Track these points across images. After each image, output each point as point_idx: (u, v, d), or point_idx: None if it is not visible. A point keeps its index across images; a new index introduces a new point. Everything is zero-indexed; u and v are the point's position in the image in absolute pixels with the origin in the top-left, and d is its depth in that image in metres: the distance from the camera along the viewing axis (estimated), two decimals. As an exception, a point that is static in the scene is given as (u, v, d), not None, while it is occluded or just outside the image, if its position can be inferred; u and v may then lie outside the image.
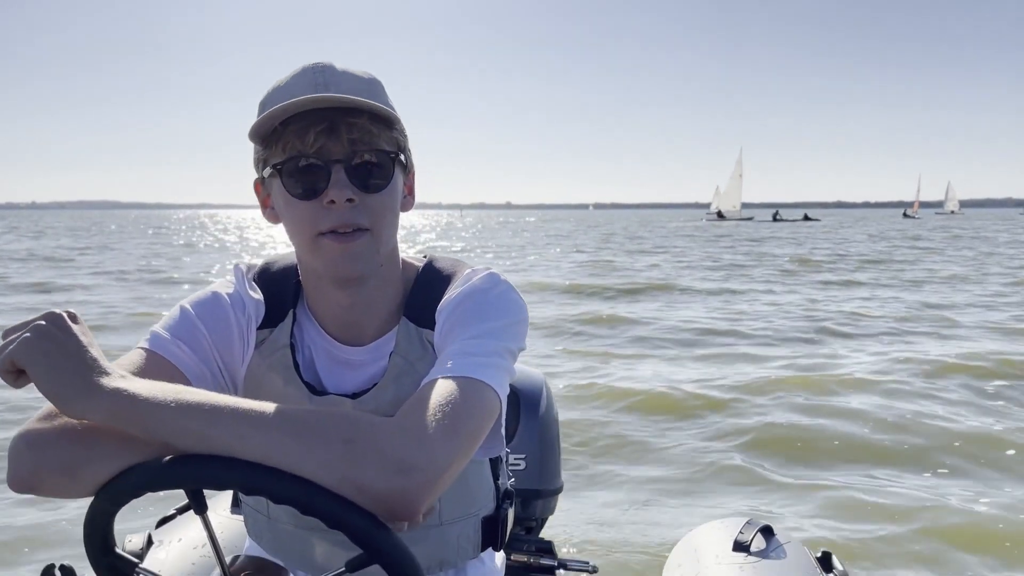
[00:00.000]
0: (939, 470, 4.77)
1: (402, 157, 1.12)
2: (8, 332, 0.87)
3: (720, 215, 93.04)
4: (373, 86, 1.10)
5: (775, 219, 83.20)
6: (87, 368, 0.84)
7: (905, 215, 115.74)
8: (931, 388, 6.66)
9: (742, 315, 11.30)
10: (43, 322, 0.86)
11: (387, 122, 1.09)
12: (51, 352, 0.84)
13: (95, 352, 0.87)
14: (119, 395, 0.83)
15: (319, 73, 1.06)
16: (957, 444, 5.17)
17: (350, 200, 1.04)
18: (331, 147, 1.04)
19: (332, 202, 1.04)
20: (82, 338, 0.87)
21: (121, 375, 0.87)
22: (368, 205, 1.07)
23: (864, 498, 4.28)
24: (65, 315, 0.88)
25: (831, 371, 7.32)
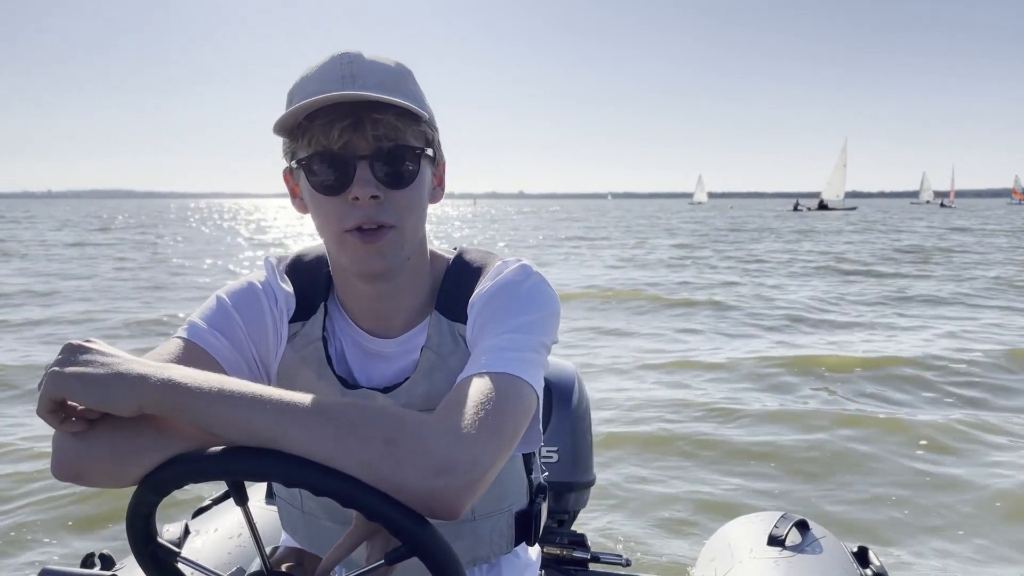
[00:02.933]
0: None
1: (429, 151, 1.10)
2: (41, 383, 0.86)
3: (823, 205, 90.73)
4: (401, 77, 1.08)
5: (795, 209, 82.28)
6: (124, 367, 0.84)
7: (942, 205, 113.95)
8: None
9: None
10: (62, 355, 0.85)
11: (415, 117, 1.06)
12: (83, 367, 0.83)
13: (126, 356, 0.87)
14: (163, 383, 0.83)
15: (347, 64, 1.04)
16: None
17: (375, 197, 1.03)
18: (356, 143, 1.03)
19: (356, 198, 1.03)
20: (106, 349, 0.87)
21: (162, 365, 0.87)
22: (393, 201, 1.06)
23: None
24: (82, 341, 0.87)
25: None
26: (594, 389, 6.14)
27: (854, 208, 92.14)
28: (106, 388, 0.82)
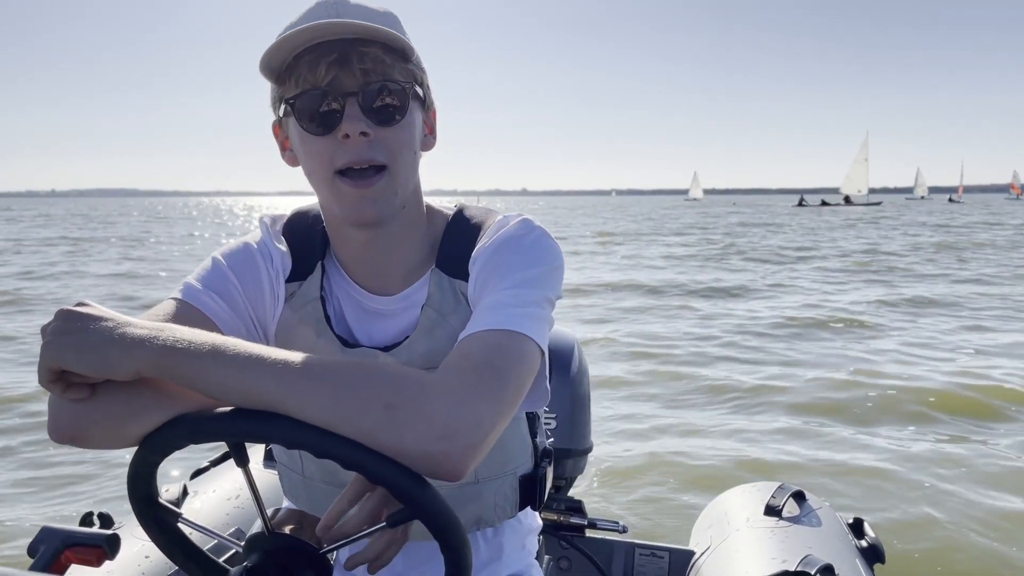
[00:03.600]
0: None
1: (418, 90, 1.08)
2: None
3: (847, 200, 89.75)
4: (388, 18, 1.06)
5: (800, 204, 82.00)
6: (119, 331, 0.82)
7: (951, 200, 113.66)
8: None
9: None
10: (56, 322, 0.83)
11: (402, 54, 1.04)
12: (76, 334, 0.81)
13: (122, 319, 0.85)
14: (160, 347, 0.81)
15: (331, 6, 1.02)
16: None
17: (364, 134, 1.01)
18: (344, 79, 1.01)
19: (347, 136, 1.01)
20: (100, 313, 0.84)
21: (158, 326, 0.84)
22: (384, 140, 1.03)
23: None
24: (75, 306, 0.85)
25: None
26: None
27: (879, 203, 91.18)
28: (103, 355, 0.80)
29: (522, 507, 1.27)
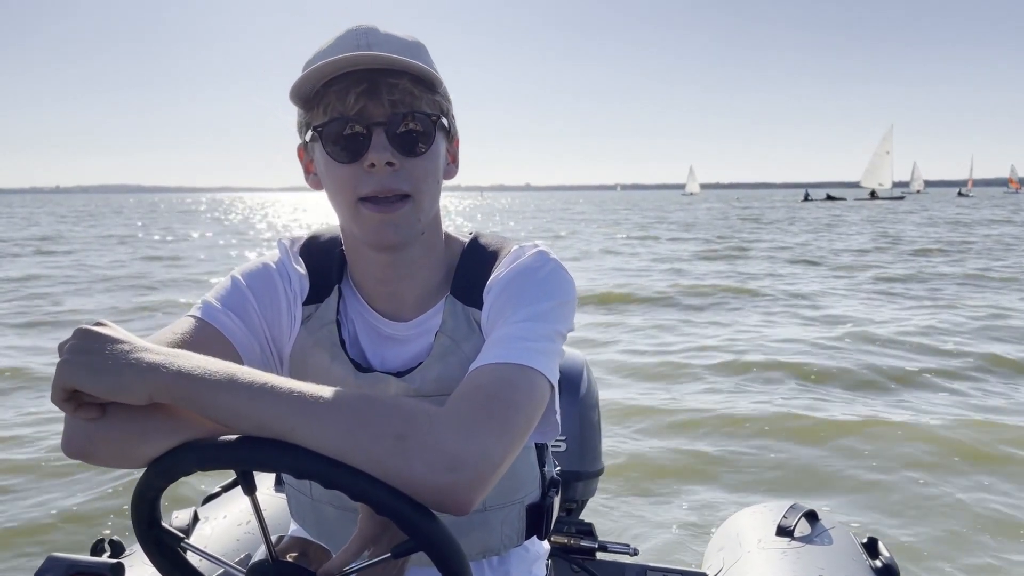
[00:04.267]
0: None
1: (444, 121, 1.10)
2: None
3: (873, 195, 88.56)
4: (416, 49, 1.08)
5: (806, 199, 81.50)
6: (135, 355, 0.83)
7: (960, 194, 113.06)
8: None
9: None
10: (73, 341, 0.84)
11: (430, 85, 1.06)
12: (92, 355, 0.82)
13: (138, 342, 0.86)
14: (174, 374, 0.82)
15: (362, 35, 1.05)
16: None
17: (390, 164, 1.03)
18: (372, 109, 1.02)
19: (372, 165, 1.02)
20: (117, 335, 0.85)
21: (173, 353, 0.85)
22: (409, 170, 1.05)
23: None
24: (92, 326, 0.86)
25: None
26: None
27: (902, 197, 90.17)
28: (117, 379, 0.81)
29: (528, 536, 1.26)
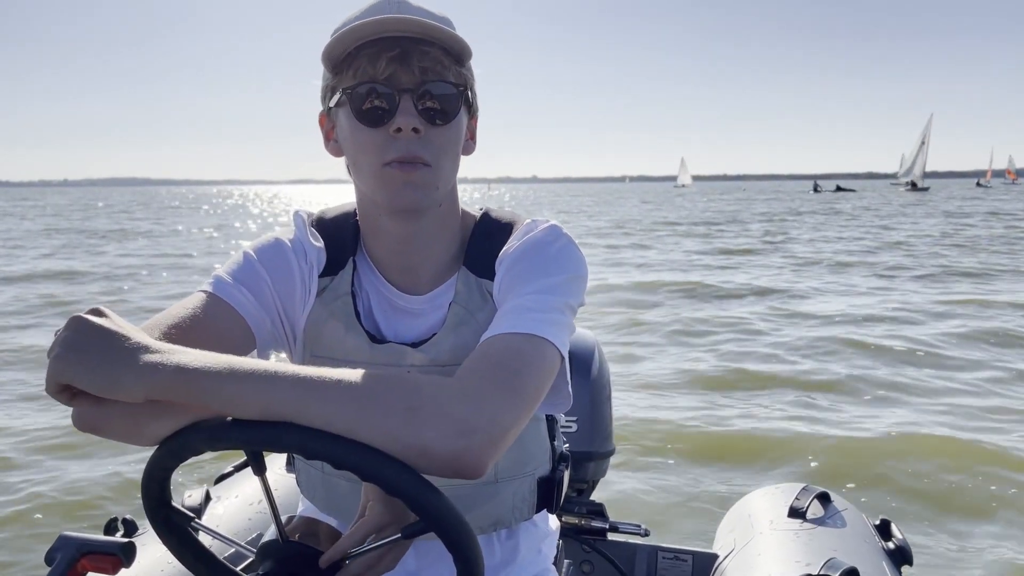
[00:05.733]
0: None
1: (468, 95, 1.11)
2: (49, 353, 0.82)
3: (914, 185, 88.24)
4: (446, 22, 1.09)
5: (815, 191, 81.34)
6: (130, 353, 0.81)
7: (979, 184, 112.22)
8: None
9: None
10: (67, 332, 0.82)
11: (458, 58, 1.08)
12: (87, 352, 0.80)
13: (135, 336, 0.83)
14: (173, 371, 0.80)
15: (394, 3, 1.06)
16: None
17: (416, 130, 1.04)
18: (401, 75, 1.04)
19: (399, 130, 1.03)
20: (114, 328, 0.83)
21: (171, 350, 0.83)
22: (431, 139, 1.06)
23: None
24: (88, 315, 0.83)
25: None
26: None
27: (927, 188, 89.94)
28: (112, 378, 0.79)
29: (539, 509, 1.27)
